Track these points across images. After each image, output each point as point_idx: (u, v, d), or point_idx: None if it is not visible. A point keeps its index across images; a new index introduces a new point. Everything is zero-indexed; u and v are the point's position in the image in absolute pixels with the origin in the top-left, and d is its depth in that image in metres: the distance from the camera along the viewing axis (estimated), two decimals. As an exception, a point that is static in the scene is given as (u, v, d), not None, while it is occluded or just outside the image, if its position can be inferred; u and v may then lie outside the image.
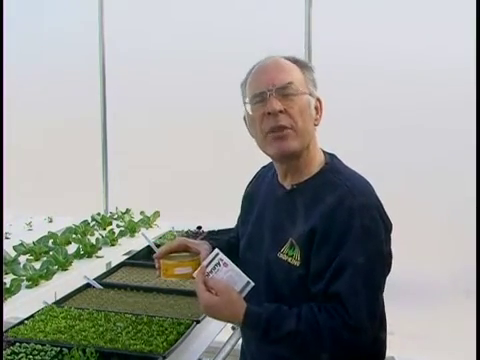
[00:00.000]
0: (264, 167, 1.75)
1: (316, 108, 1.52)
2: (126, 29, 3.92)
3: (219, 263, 1.46)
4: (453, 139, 3.30)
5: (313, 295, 1.42)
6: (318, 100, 1.53)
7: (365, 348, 1.43)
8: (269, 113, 1.45)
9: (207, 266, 1.46)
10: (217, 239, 1.79)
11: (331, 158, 1.57)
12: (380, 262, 1.43)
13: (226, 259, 1.46)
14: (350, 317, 1.36)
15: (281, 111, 1.45)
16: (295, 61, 1.53)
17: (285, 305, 1.43)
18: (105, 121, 4.04)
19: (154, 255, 1.67)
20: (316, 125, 1.53)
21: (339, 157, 1.60)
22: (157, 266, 1.66)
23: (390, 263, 1.50)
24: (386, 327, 1.58)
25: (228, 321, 1.48)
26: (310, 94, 1.50)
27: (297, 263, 1.44)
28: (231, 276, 1.45)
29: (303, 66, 1.53)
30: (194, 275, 1.47)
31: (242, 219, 1.74)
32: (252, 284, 1.45)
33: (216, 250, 1.49)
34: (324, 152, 1.58)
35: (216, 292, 1.42)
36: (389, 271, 1.49)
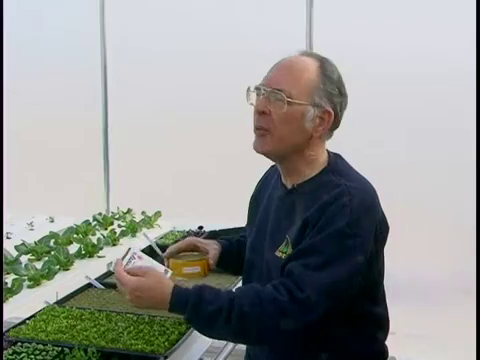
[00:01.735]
0: (272, 167, 1.74)
1: (321, 118, 1.48)
2: (128, 28, 3.93)
3: (133, 256, 1.47)
4: (455, 138, 3.31)
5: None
6: (327, 112, 1.48)
7: (314, 326, 1.37)
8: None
9: (122, 259, 1.48)
10: (227, 238, 1.79)
11: (335, 158, 1.56)
12: (350, 263, 1.37)
13: (140, 253, 1.49)
14: (299, 290, 1.33)
15: (264, 112, 1.47)
16: (320, 66, 1.49)
17: None
18: (107, 121, 4.04)
19: (164, 254, 1.69)
20: (315, 136, 1.49)
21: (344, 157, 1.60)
22: (166, 265, 1.65)
23: (382, 269, 1.51)
24: (388, 328, 1.58)
25: (155, 306, 1.44)
26: (312, 104, 1.46)
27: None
28: (148, 267, 1.47)
29: (324, 74, 1.48)
30: (111, 269, 1.50)
31: (249, 220, 1.74)
32: (170, 273, 1.49)
33: (130, 247, 1.52)
34: (329, 152, 1.58)
35: (141, 275, 1.42)
36: (363, 280, 1.42)
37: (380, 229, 1.46)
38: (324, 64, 1.50)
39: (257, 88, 1.49)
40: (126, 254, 1.48)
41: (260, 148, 1.50)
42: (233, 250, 1.74)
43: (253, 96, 1.51)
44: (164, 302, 1.39)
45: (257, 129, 1.50)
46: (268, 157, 1.54)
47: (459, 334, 2.98)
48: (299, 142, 1.49)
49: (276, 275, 1.46)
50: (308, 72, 1.47)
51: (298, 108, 1.46)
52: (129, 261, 1.47)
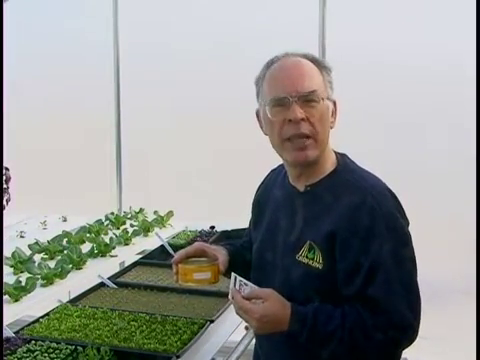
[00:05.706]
0: (273, 170, 1.72)
1: (332, 111, 1.49)
2: (140, 31, 3.94)
3: (241, 283, 1.45)
4: (456, 139, 3.29)
5: (343, 298, 1.40)
6: (334, 103, 1.50)
7: (410, 344, 1.43)
8: (290, 120, 1.43)
9: (234, 287, 1.46)
10: (232, 244, 1.78)
11: (343, 158, 1.55)
12: (408, 258, 1.42)
13: (244, 279, 1.47)
14: (393, 317, 1.35)
15: (303, 119, 1.42)
16: (314, 61, 1.49)
17: None
18: (119, 121, 4.05)
19: (172, 260, 1.64)
20: (332, 128, 1.51)
21: (351, 156, 1.58)
22: (175, 271, 1.62)
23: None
24: None
25: (277, 327, 1.39)
26: (328, 98, 1.47)
27: (319, 265, 1.42)
28: (264, 290, 1.45)
29: (322, 68, 1.49)
30: (230, 298, 1.46)
31: (254, 224, 1.71)
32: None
33: (233, 274, 1.49)
34: (335, 152, 1.56)
35: (264, 298, 1.40)
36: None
37: (404, 218, 1.47)
38: (313, 57, 1.51)
39: (281, 99, 1.43)
40: (234, 282, 1.46)
41: (309, 157, 1.45)
42: (239, 255, 1.71)
43: (267, 109, 1.47)
44: (284, 323, 1.38)
45: (300, 138, 1.43)
46: (307, 165, 1.49)
47: (459, 335, 2.96)
48: (328, 138, 1.49)
49: (299, 280, 1.46)
50: (313, 69, 1.47)
51: (325, 104, 1.46)
52: (240, 288, 1.44)
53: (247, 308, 1.40)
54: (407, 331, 1.38)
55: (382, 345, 1.36)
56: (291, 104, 1.42)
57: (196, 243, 1.70)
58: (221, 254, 1.63)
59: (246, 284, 1.45)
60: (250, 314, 1.39)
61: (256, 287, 1.45)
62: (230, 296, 1.45)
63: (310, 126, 1.43)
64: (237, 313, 1.44)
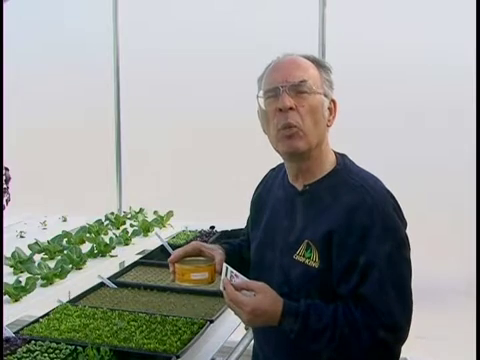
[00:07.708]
0: (272, 170, 1.73)
1: (330, 109, 1.50)
2: (140, 29, 3.94)
3: (232, 275, 1.45)
4: (461, 137, 3.29)
5: (339, 297, 1.40)
6: (332, 101, 1.51)
7: (400, 346, 1.43)
8: (280, 109, 1.44)
9: (226, 276, 1.45)
10: (229, 242, 1.78)
11: (343, 158, 1.55)
12: (404, 259, 1.42)
13: (235, 271, 1.46)
14: (384, 317, 1.35)
15: (292, 108, 1.43)
16: (313, 60, 1.51)
17: None
18: (119, 121, 4.05)
19: (169, 259, 1.64)
20: (329, 126, 1.51)
21: (351, 156, 1.58)
22: (172, 270, 1.61)
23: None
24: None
25: (267, 321, 1.38)
26: (324, 94, 1.48)
27: (315, 265, 1.43)
28: (257, 283, 1.44)
29: (320, 66, 1.51)
30: (221, 288, 1.43)
31: (252, 223, 1.71)
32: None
33: (225, 264, 1.48)
34: (335, 152, 1.57)
35: (256, 291, 1.38)
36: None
37: (402, 220, 1.47)
38: (313, 57, 1.53)
39: (273, 89, 1.46)
40: (226, 272, 1.45)
41: (297, 147, 1.45)
42: (236, 254, 1.71)
43: (261, 101, 1.49)
44: (275, 318, 1.37)
45: (287, 128, 1.44)
46: (298, 157, 1.49)
47: (459, 335, 2.96)
48: (322, 135, 1.49)
49: (296, 279, 1.46)
50: (308, 64, 1.49)
51: (318, 98, 1.46)
52: (231, 280, 1.43)
53: (239, 300, 1.37)
54: (397, 332, 1.38)
55: (371, 344, 1.36)
56: (281, 93, 1.44)
57: (193, 242, 1.70)
58: (218, 253, 1.62)
59: (237, 276, 1.44)
60: (242, 306, 1.36)
61: (247, 279, 1.44)
62: (221, 287, 1.43)
63: (298, 116, 1.44)
64: (227, 304, 1.42)
